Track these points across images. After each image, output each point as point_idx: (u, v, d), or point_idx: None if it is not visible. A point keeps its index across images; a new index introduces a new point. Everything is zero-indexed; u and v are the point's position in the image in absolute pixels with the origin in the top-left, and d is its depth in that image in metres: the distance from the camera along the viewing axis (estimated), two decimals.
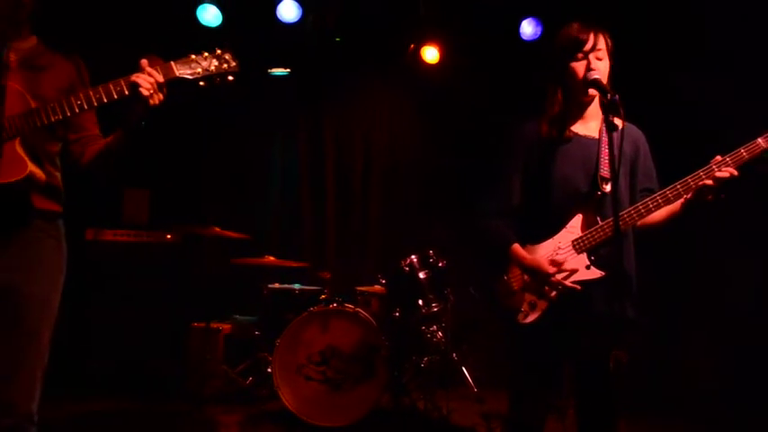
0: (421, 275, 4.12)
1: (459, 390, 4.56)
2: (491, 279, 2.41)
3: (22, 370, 2.13)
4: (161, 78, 2.14)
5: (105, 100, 2.13)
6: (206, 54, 2.23)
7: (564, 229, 2.30)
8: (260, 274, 4.69)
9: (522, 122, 2.42)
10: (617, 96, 2.03)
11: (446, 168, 5.59)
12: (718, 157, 2.15)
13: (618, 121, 2.13)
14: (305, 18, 5.14)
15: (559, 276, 2.24)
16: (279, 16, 5.05)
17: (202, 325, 4.57)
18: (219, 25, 5.04)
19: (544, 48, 2.40)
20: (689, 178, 2.17)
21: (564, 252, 2.28)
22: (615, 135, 2.06)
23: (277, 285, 4.70)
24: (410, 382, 4.34)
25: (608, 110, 2.05)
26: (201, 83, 2.22)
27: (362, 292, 4.57)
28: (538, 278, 2.27)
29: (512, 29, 5.25)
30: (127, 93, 2.12)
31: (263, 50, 5.19)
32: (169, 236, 4.86)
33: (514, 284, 2.34)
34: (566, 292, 2.24)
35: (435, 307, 4.08)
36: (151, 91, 2.12)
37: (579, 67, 2.26)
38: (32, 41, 2.28)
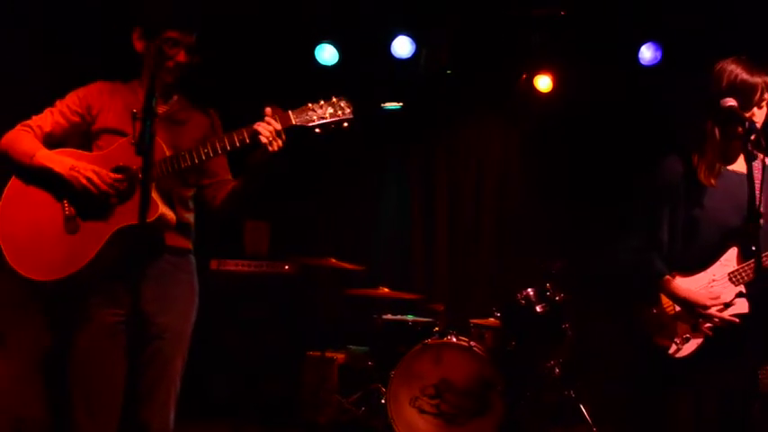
0: (538, 309, 4.03)
1: (576, 427, 4.37)
2: (637, 313, 2.37)
3: (157, 392, 2.32)
4: (279, 126, 2.28)
5: (229, 148, 2.31)
6: (322, 102, 2.35)
7: (717, 262, 2.26)
8: (374, 304, 4.74)
9: (667, 157, 2.40)
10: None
11: (562, 199, 5.44)
12: None
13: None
14: (418, 53, 5.22)
15: (716, 309, 2.19)
16: (393, 52, 5.17)
17: (318, 354, 4.67)
18: (336, 64, 5.22)
19: (702, 84, 2.32)
20: None
21: (719, 284, 2.23)
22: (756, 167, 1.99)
23: (390, 316, 4.73)
24: (526, 418, 4.21)
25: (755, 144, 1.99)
26: (317, 130, 2.34)
27: (476, 325, 4.51)
28: (693, 311, 2.22)
29: (630, 54, 5.09)
30: (248, 141, 2.29)
31: (376, 86, 5.33)
32: (287, 266, 5.03)
33: (664, 318, 2.28)
34: (723, 325, 2.18)
35: (553, 342, 3.97)
36: (270, 138, 2.26)
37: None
38: (174, 98, 2.54)
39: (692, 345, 2.22)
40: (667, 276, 2.29)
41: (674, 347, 2.24)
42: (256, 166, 2.37)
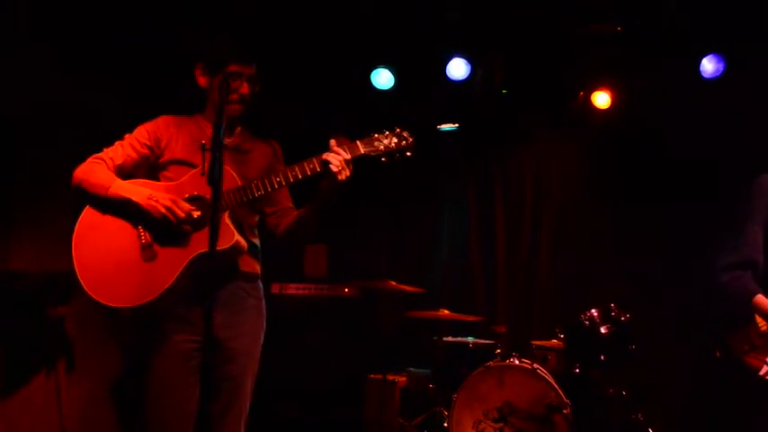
0: (602, 330, 3.93)
1: None
2: (728, 333, 2.34)
3: (228, 416, 2.40)
4: (348, 156, 2.37)
5: (300, 177, 2.39)
6: (387, 132, 2.46)
7: None
8: (434, 327, 4.72)
9: (762, 176, 2.37)
10: None
11: (623, 218, 5.32)
12: None
13: None
14: (473, 74, 5.23)
15: None
16: (448, 75, 5.19)
17: (379, 377, 4.67)
18: (392, 88, 5.27)
19: None
20: None
21: None
22: None
23: (451, 339, 4.70)
24: None
25: None
26: (383, 159, 2.45)
27: (539, 347, 4.44)
28: None
29: (691, 67, 4.97)
30: (319, 170, 2.37)
31: (433, 108, 5.36)
32: (347, 289, 5.07)
33: (756, 338, 2.25)
34: None
35: (619, 364, 3.87)
36: (340, 168, 2.34)
37: None
38: (238, 129, 2.65)
39: None
40: (760, 295, 2.26)
41: (765, 368, 2.20)
42: (325, 194, 2.45)
